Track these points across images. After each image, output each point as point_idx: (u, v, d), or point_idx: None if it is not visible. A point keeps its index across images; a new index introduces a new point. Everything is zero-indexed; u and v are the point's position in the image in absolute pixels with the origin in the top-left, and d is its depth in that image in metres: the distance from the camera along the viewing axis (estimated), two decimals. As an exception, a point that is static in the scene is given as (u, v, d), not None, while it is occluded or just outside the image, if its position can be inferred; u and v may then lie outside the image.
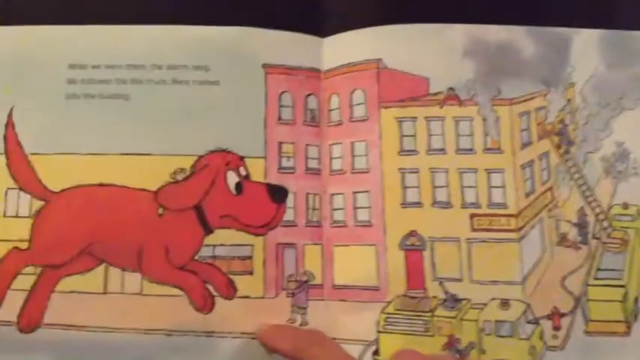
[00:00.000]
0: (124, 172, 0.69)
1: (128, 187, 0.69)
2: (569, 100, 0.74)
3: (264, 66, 0.72)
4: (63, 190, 0.69)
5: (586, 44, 0.74)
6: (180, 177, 0.69)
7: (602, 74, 0.74)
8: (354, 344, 0.68)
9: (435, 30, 0.73)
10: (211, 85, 0.71)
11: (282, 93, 0.73)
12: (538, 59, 0.73)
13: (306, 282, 0.70)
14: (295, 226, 0.71)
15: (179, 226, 0.68)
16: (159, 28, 0.72)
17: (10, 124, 0.70)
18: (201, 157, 0.70)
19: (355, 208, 0.72)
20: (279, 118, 0.73)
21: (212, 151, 0.70)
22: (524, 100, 0.73)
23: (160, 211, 0.69)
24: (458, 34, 0.73)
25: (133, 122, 0.70)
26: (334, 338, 0.67)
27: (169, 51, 0.72)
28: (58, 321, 0.67)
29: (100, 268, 0.68)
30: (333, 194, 0.72)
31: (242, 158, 0.70)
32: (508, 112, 0.73)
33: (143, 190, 0.69)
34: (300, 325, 0.68)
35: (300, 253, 0.71)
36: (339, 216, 0.72)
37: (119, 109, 0.70)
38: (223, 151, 0.70)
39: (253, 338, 0.67)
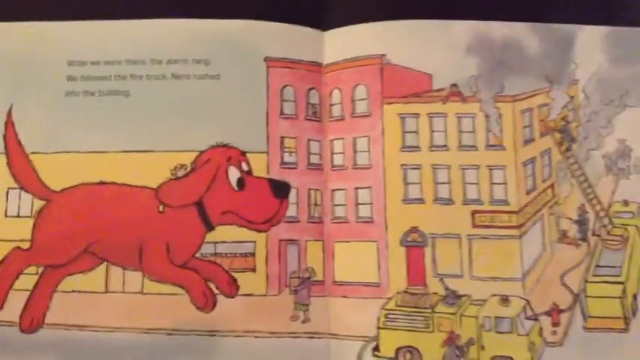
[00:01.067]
0: (124, 169, 0.69)
1: (129, 185, 0.69)
2: (572, 97, 0.74)
3: (266, 59, 0.72)
4: (64, 190, 0.69)
5: (590, 41, 0.74)
6: (180, 173, 0.69)
7: (606, 71, 0.74)
8: (355, 340, 0.68)
9: (439, 26, 0.73)
10: (212, 80, 0.71)
11: (284, 87, 0.73)
12: (542, 56, 0.73)
13: (308, 278, 0.70)
14: (298, 222, 0.71)
15: (180, 222, 0.69)
16: (159, 22, 0.72)
17: (9, 123, 0.69)
18: (202, 152, 0.70)
19: (357, 204, 0.73)
20: (281, 113, 0.73)
21: (213, 147, 0.70)
22: (527, 97, 0.74)
23: (161, 208, 0.69)
24: (461, 30, 0.73)
25: (133, 119, 0.70)
26: (335, 335, 0.68)
27: (169, 45, 0.71)
28: (60, 321, 0.67)
29: (102, 267, 0.68)
30: (334, 190, 0.72)
31: (244, 153, 0.70)
32: (511, 109, 0.73)
33: (144, 187, 0.69)
34: (303, 322, 0.69)
35: (302, 249, 0.71)
36: (340, 212, 0.72)
37: (119, 106, 0.70)
38: (225, 146, 0.70)
39: (256, 337, 0.67)
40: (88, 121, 0.70)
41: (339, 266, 0.70)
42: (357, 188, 0.73)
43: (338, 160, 0.73)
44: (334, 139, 0.73)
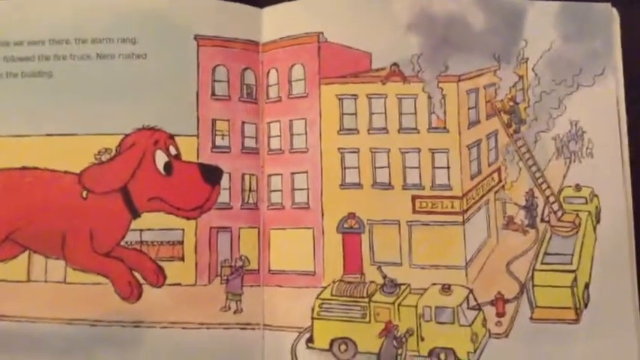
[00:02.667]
0: (47, 153, 0.68)
1: (51, 170, 0.68)
2: (521, 77, 0.73)
3: (196, 37, 0.70)
4: (-15, 176, 0.67)
5: (541, 17, 0.72)
6: (105, 157, 0.69)
7: (558, 49, 0.72)
8: (289, 331, 0.67)
9: (379, 2, 0.71)
10: (139, 59, 0.70)
11: (217, 66, 0.71)
12: (489, 33, 0.72)
13: (241, 267, 0.69)
14: (230, 208, 0.70)
15: (104, 209, 0.68)
16: (83, -2, 0.70)
17: None
18: (127, 135, 0.69)
19: (293, 189, 0.72)
20: (213, 94, 0.71)
21: (139, 129, 0.69)
22: (473, 77, 0.72)
23: (84, 194, 0.68)
24: (402, 6, 0.71)
25: (56, 101, 0.69)
26: (269, 325, 0.68)
27: (94, 23, 0.70)
28: (-20, 310, 0.66)
29: (24, 256, 0.68)
30: (270, 175, 0.71)
31: (172, 136, 0.69)
32: (455, 90, 0.71)
33: (67, 172, 0.68)
34: (235, 313, 0.68)
35: (235, 237, 0.70)
36: (276, 198, 0.71)
37: (42, 88, 0.69)
38: (151, 129, 0.69)
39: (184, 328, 0.66)
40: (10, 104, 0.69)
41: (274, 254, 0.70)
42: (293, 173, 0.72)
43: (275, 143, 0.71)
44: (271, 122, 0.71)
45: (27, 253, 0.68)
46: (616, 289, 0.68)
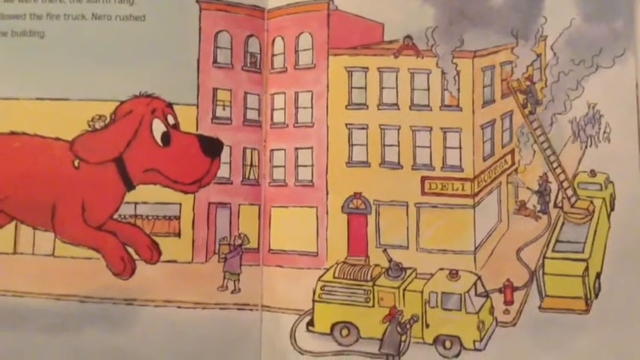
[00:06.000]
0: (37, 118, 0.67)
1: (41, 136, 0.67)
2: (539, 55, 0.72)
3: (199, 0, 0.69)
4: (-29, 140, 0.66)
5: (562, -7, 0.71)
6: (99, 125, 0.67)
7: (578, 28, 0.72)
8: (289, 314, 0.67)
9: (394, -31, 0.70)
10: (136, 21, 0.68)
11: (219, 32, 0.70)
12: (507, 8, 0.71)
13: (240, 246, 0.68)
14: (230, 183, 0.70)
15: (97, 180, 0.67)
16: (78, -46, 0.68)
17: None
18: (123, 102, 0.68)
19: (297, 166, 0.71)
20: (215, 61, 0.70)
21: (136, 96, 0.68)
22: (490, 53, 0.71)
23: (77, 163, 0.67)
24: (418, -26, 0.70)
25: (48, 63, 0.68)
26: (268, 307, 0.67)
27: (90, -20, 0.68)
28: (-36, 282, 0.65)
29: (11, 226, 0.67)
30: (273, 150, 0.70)
31: (170, 105, 0.68)
32: (470, 66, 0.71)
33: (58, 139, 0.67)
34: (232, 292, 0.67)
35: (234, 213, 0.70)
36: (279, 174, 0.71)
37: (33, 48, 0.68)
38: (149, 96, 0.67)
39: (179, 307, 0.65)
40: (-1, 64, 0.67)
41: (275, 233, 0.69)
42: (297, 148, 0.71)
43: (278, 116, 0.70)
44: (275, 94, 0.70)
45: (14, 223, 0.67)
46: (628, 279, 0.68)
